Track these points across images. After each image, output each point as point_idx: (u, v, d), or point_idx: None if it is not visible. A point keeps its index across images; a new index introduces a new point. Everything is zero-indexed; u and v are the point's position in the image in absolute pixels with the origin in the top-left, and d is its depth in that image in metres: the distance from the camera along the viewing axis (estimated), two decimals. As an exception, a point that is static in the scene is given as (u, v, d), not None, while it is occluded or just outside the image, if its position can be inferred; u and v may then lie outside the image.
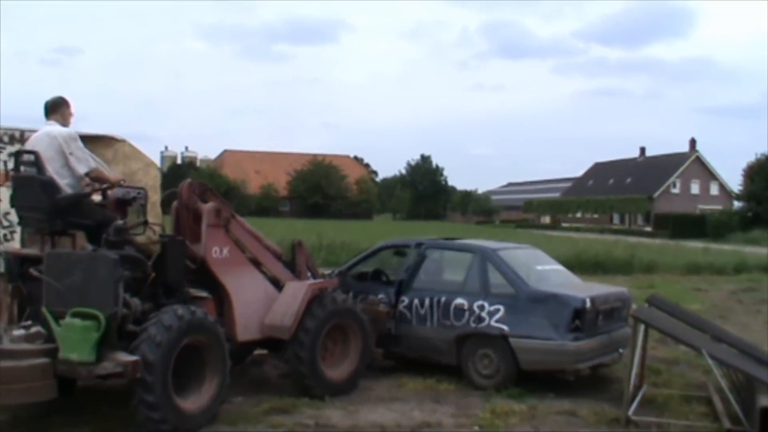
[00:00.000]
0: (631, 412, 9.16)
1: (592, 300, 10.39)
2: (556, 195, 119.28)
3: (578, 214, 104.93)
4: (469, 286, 11.05)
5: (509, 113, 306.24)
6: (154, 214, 12.81)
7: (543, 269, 11.68)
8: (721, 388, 10.03)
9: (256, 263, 10.27)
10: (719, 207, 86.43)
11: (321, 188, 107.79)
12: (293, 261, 10.90)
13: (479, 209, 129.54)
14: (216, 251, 9.57)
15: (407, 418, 9.04)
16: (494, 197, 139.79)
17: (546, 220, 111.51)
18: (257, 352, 12.16)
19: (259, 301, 9.91)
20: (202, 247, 9.46)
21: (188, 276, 9.15)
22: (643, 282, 25.97)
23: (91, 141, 11.67)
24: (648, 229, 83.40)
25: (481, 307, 10.67)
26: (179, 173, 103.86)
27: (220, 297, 9.59)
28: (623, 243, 41.50)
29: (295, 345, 9.65)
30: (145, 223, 9.25)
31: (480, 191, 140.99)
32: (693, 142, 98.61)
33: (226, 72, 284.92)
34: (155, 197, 12.74)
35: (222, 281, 9.54)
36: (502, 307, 10.58)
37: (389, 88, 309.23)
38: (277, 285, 10.25)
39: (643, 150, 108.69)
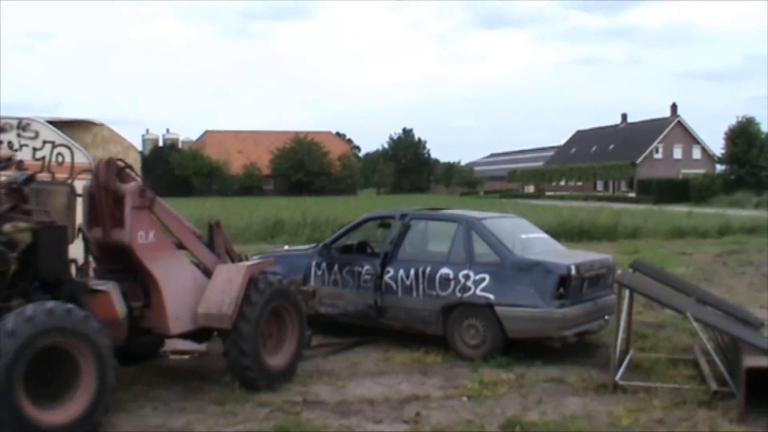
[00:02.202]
0: (618, 377, 9.18)
1: (577, 267, 10.39)
2: (540, 164, 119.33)
3: (562, 183, 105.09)
4: (454, 256, 11.00)
5: (491, 84, 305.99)
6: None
7: (527, 237, 11.65)
8: (707, 351, 10.10)
9: (181, 247, 9.42)
10: (702, 171, 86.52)
11: (304, 165, 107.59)
12: (211, 242, 9.95)
13: (463, 181, 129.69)
14: (142, 236, 8.65)
15: (395, 392, 9.03)
16: (478, 168, 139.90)
17: (530, 189, 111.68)
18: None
19: (190, 289, 9.06)
20: (127, 233, 8.54)
21: (104, 266, 8.65)
22: (627, 248, 26.06)
23: (68, 126, 11.61)
24: (631, 195, 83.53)
25: (467, 277, 10.65)
26: (161, 156, 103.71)
27: (146, 286, 8.83)
28: (607, 210, 41.66)
29: (234, 336, 8.86)
30: (25, 211, 8.11)
31: (463, 163, 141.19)
32: (674, 107, 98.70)
33: (206, 52, 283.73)
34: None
35: (149, 269, 8.69)
36: (487, 276, 10.55)
37: (369, 62, 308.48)
38: (204, 270, 9.44)
39: (624, 116, 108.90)
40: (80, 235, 9.50)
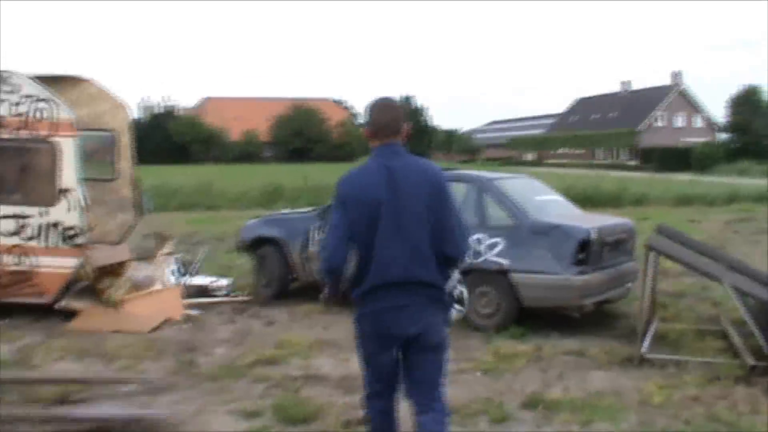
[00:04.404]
0: (644, 350, 8.49)
1: (598, 231, 9.66)
2: (540, 132, 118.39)
3: (561, 150, 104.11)
4: (465, 219, 10.19)
5: (493, 50, 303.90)
6: (124, 157, 12.05)
7: (543, 200, 10.89)
8: (736, 322, 9.43)
9: None
10: (704, 139, 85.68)
11: (303, 133, 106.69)
12: None
13: (463, 148, 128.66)
14: None
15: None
16: (478, 136, 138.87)
17: (530, 157, 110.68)
18: (240, 298, 11.47)
19: None
20: None
21: None
22: (635, 214, 25.32)
23: (53, 81, 10.87)
24: (633, 163, 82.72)
25: (479, 241, 9.90)
26: (159, 122, 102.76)
27: None
28: (611, 177, 40.97)
29: None
30: None
31: (463, 130, 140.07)
32: (677, 75, 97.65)
33: (205, 17, 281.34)
34: (125, 140, 11.97)
35: None
36: (501, 241, 9.82)
37: (368, 26, 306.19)
38: None
39: (626, 84, 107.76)
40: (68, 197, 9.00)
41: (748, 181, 43.86)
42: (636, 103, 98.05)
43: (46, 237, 10.01)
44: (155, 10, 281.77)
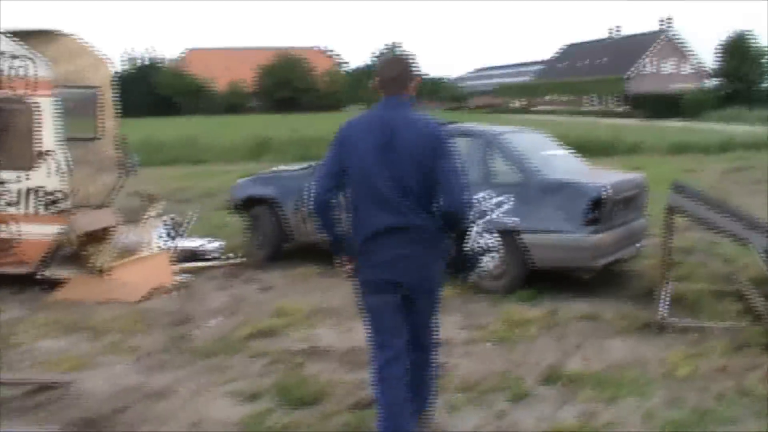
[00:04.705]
0: (664, 315, 8.01)
1: (612, 188, 9.14)
2: (528, 79, 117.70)
3: (548, 98, 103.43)
4: (469, 176, 9.66)
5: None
6: (107, 115, 11.45)
7: (551, 155, 10.32)
8: (754, 280, 9.09)
9: None
10: (693, 86, 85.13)
11: (289, 82, 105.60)
12: None
13: (450, 95, 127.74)
14: None
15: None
16: (465, 83, 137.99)
17: (517, 104, 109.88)
18: (230, 262, 10.94)
19: None
20: None
21: None
22: (628, 163, 24.81)
23: (30, 37, 10.23)
24: (621, 110, 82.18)
25: (485, 199, 9.37)
26: (143, 75, 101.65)
27: None
28: (603, 125, 40.52)
29: None
30: None
31: (450, 78, 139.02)
32: (665, 20, 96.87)
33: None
34: (108, 96, 11.36)
35: None
36: (509, 198, 9.30)
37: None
38: None
39: (613, 30, 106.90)
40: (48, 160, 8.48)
41: (740, 127, 43.36)
42: (624, 50, 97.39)
43: (27, 203, 9.41)
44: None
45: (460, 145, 9.88)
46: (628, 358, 7.08)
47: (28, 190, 9.35)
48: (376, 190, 4.79)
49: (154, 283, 9.32)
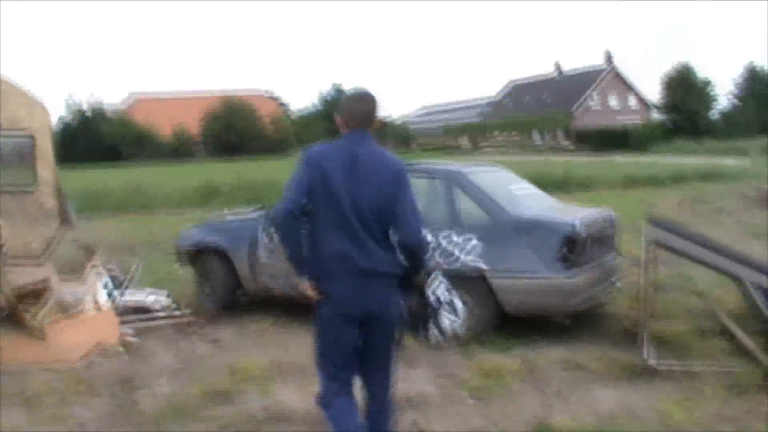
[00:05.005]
0: (652, 360, 7.47)
1: (583, 224, 8.61)
2: (474, 117, 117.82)
3: (498, 135, 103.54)
4: (432, 217, 8.97)
5: (420, 34, 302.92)
6: (44, 163, 10.75)
7: (518, 192, 9.79)
8: (735, 316, 8.66)
9: None
10: (638, 119, 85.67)
11: (235, 127, 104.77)
12: None
13: (397, 137, 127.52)
14: None
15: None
16: (411, 125, 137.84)
17: (463, 142, 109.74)
18: (177, 315, 10.22)
19: None
20: None
21: None
22: (584, 198, 24.46)
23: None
24: (568, 145, 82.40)
25: (450, 240, 8.81)
26: (87, 122, 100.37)
27: None
28: (552, 161, 40.35)
29: None
30: None
31: (395, 117, 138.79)
32: (609, 55, 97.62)
33: (125, 12, 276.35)
34: (45, 143, 10.65)
35: None
36: (476, 239, 8.72)
37: (293, 16, 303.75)
38: None
39: (558, 65, 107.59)
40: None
41: (689, 160, 43.40)
42: (569, 85, 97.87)
43: (-47, 259, 8.65)
44: (73, 7, 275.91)
45: (424, 185, 9.34)
46: (618, 409, 6.53)
47: (-46, 246, 8.57)
48: (338, 214, 4.85)
49: (97, 341, 8.59)
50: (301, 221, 4.90)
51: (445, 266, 8.71)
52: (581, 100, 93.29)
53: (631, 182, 31.29)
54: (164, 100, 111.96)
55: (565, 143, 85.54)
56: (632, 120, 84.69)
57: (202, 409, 6.75)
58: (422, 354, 8.28)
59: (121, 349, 8.60)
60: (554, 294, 8.42)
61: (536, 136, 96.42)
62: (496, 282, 8.54)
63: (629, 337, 8.33)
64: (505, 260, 8.55)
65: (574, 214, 9.12)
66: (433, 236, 8.78)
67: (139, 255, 15.43)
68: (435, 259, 8.74)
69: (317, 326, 5.04)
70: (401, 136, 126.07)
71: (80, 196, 26.89)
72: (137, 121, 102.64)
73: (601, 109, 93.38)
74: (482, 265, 8.58)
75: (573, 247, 8.42)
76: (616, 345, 8.38)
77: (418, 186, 9.37)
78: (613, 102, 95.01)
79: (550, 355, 8.09)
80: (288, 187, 4.94)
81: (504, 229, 8.66)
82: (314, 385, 6.93)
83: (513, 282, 8.51)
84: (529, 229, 8.59)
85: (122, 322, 9.39)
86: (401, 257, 4.97)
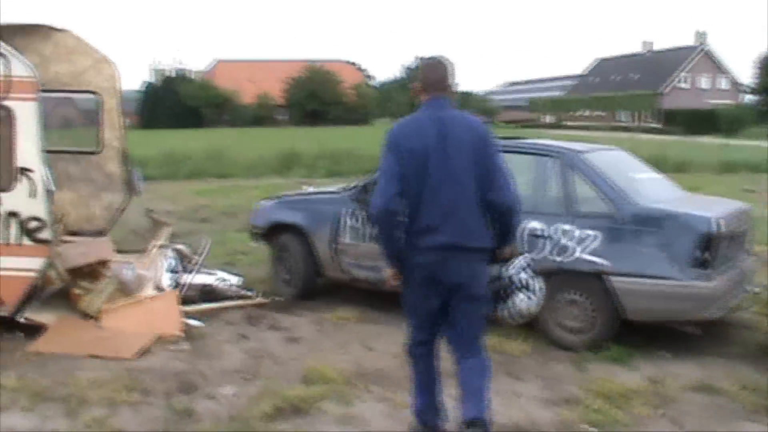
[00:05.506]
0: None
1: (722, 220, 7.33)
2: (560, 94, 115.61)
3: (581, 113, 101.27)
4: (545, 204, 7.88)
5: (510, 8, 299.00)
6: (110, 125, 9.79)
7: (643, 178, 8.52)
8: None
9: None
10: (729, 101, 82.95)
11: (317, 95, 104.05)
12: None
13: (479, 110, 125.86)
14: None
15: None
16: (495, 97, 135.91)
17: (548, 119, 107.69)
18: (250, 302, 9.17)
19: None
20: None
21: None
22: (682, 183, 22.89)
23: (17, 32, 8.59)
24: (656, 125, 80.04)
25: (566, 233, 7.60)
26: (171, 86, 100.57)
27: None
28: (642, 140, 38.72)
29: None
30: None
31: (480, 92, 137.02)
32: (701, 35, 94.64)
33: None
34: (111, 103, 9.69)
35: None
36: (596, 234, 7.49)
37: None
38: None
39: (647, 44, 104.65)
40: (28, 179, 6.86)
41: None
42: (658, 64, 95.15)
43: (2, 231, 7.64)
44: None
45: (534, 165, 8.13)
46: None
47: (4, 216, 7.55)
48: (430, 188, 4.80)
49: (157, 331, 7.54)
50: (399, 215, 4.84)
51: (558, 262, 7.53)
52: (670, 79, 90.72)
53: (728, 167, 29.53)
54: (247, 65, 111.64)
55: (653, 123, 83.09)
56: (722, 102, 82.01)
57: (271, 426, 5.65)
58: (528, 363, 7.14)
59: (182, 342, 7.54)
60: (687, 300, 7.15)
61: (622, 114, 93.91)
62: (617, 283, 7.30)
63: (763, 352, 7.12)
64: (630, 259, 7.30)
65: (710, 207, 7.85)
66: (545, 227, 7.63)
67: (214, 226, 14.56)
68: (547, 253, 7.57)
69: (406, 285, 5.04)
70: (484, 109, 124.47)
71: (158, 160, 26.23)
72: (219, 85, 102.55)
73: (691, 89, 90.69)
74: (603, 264, 7.36)
75: (710, 247, 7.15)
76: (751, 363, 7.15)
77: (527, 167, 8.28)
78: (703, 83, 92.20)
79: (678, 374, 6.87)
80: (381, 178, 4.88)
81: (629, 223, 7.39)
82: (402, 399, 5.90)
83: (638, 284, 7.25)
84: (660, 223, 7.30)
85: (187, 309, 8.35)
86: (491, 222, 4.96)
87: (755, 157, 31.29)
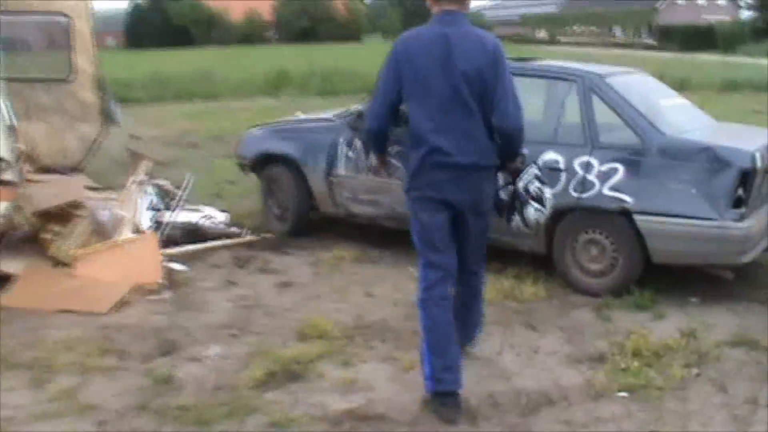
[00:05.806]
0: None
1: (764, 154, 6.61)
2: (553, 9, 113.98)
3: (575, 28, 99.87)
4: (565, 134, 7.10)
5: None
6: (83, 50, 9.00)
7: (670, 105, 7.76)
8: None
9: None
10: (726, 17, 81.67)
11: (307, 11, 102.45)
12: None
13: (472, 25, 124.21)
14: None
15: (496, 372, 5.36)
16: (487, 12, 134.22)
17: (541, 35, 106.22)
18: (238, 240, 8.47)
19: None
20: None
21: None
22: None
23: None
24: (651, 41, 78.88)
25: (587, 166, 6.84)
26: (158, 4, 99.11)
27: None
28: (636, 57, 37.99)
29: None
30: None
31: (471, 6, 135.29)
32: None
33: None
34: (84, 27, 8.90)
35: None
36: (620, 167, 6.72)
37: None
38: None
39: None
40: None
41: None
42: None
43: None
44: None
45: (552, 90, 7.39)
46: None
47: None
48: (435, 106, 4.66)
49: (134, 280, 6.81)
50: (390, 132, 4.98)
51: (577, 198, 6.83)
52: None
53: (730, 86, 28.74)
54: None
55: (648, 39, 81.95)
56: (720, 17, 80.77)
57: (262, 397, 4.94)
58: (544, 310, 6.49)
59: (164, 290, 6.83)
60: (720, 242, 6.44)
61: (617, 30, 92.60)
62: (644, 223, 6.60)
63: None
64: (659, 196, 6.56)
65: (747, 139, 7.12)
66: (563, 158, 6.91)
67: (201, 152, 13.88)
68: (564, 188, 6.87)
69: (412, 210, 4.87)
70: (476, 24, 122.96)
71: (145, 81, 25.44)
72: (208, 3, 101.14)
73: (687, 4, 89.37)
74: (628, 201, 6.65)
75: (747, 184, 6.45)
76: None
77: (543, 91, 7.51)
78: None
79: (710, 324, 6.19)
80: (377, 97, 4.86)
81: (659, 156, 6.64)
82: (410, 358, 5.27)
83: (665, 224, 6.55)
84: (693, 157, 6.56)
85: (169, 251, 7.65)
86: (497, 142, 4.82)
87: (758, 75, 30.39)
